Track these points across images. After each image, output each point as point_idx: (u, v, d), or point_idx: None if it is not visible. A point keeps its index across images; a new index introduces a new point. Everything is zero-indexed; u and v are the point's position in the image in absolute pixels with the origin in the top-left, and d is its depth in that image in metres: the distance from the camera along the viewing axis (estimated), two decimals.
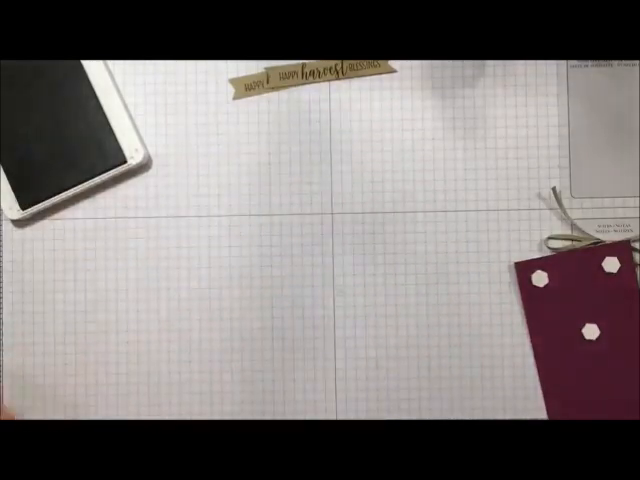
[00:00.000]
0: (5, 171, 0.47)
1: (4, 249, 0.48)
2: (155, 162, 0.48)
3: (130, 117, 0.47)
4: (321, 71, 0.48)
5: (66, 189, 0.47)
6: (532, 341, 0.46)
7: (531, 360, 0.47)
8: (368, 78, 0.48)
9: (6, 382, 0.48)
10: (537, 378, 0.46)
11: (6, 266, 0.48)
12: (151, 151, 0.48)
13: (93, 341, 0.48)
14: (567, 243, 0.47)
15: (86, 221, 0.48)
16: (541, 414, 0.46)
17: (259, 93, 0.48)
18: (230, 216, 0.48)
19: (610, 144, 0.47)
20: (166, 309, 0.48)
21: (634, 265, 0.46)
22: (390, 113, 0.48)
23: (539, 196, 0.47)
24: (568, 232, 0.47)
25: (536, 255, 0.47)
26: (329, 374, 0.47)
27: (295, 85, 0.48)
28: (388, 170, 0.48)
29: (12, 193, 0.47)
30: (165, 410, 0.47)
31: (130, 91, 0.48)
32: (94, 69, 0.47)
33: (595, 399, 0.45)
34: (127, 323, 0.48)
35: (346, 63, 0.48)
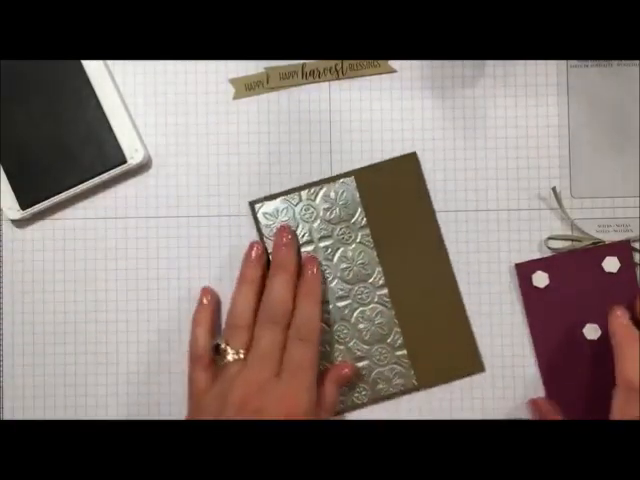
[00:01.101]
0: (5, 171, 0.47)
1: (4, 249, 0.48)
2: (155, 162, 0.48)
3: (130, 117, 0.47)
4: (321, 71, 0.48)
5: (66, 189, 0.47)
6: (533, 341, 0.46)
7: (532, 360, 0.47)
8: (368, 78, 0.48)
9: (6, 382, 0.48)
10: (538, 379, 0.46)
11: (6, 266, 0.48)
12: (151, 151, 0.48)
13: (93, 341, 0.48)
14: (567, 243, 0.47)
15: (86, 221, 0.48)
16: None
17: (259, 93, 0.48)
18: (230, 216, 0.48)
19: (610, 144, 0.47)
20: (166, 309, 0.48)
21: (634, 265, 0.46)
22: (390, 113, 0.48)
23: (539, 196, 0.47)
24: (568, 232, 0.47)
25: (536, 255, 0.47)
26: None
27: (295, 85, 0.48)
28: None
29: (12, 193, 0.47)
30: (165, 410, 0.47)
31: (130, 91, 0.48)
32: (94, 69, 0.47)
33: (597, 399, 0.45)
34: (127, 323, 0.48)
35: (346, 63, 0.48)
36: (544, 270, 0.46)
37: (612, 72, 0.47)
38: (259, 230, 0.47)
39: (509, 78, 0.48)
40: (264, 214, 0.47)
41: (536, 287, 0.46)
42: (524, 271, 0.46)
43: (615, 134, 0.47)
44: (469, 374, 0.47)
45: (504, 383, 0.47)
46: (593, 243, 0.46)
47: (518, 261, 0.47)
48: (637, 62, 0.47)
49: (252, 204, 0.47)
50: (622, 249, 0.46)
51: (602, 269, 0.46)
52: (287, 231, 0.45)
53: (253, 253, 0.46)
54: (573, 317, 0.46)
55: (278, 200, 0.47)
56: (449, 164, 0.47)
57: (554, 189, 0.46)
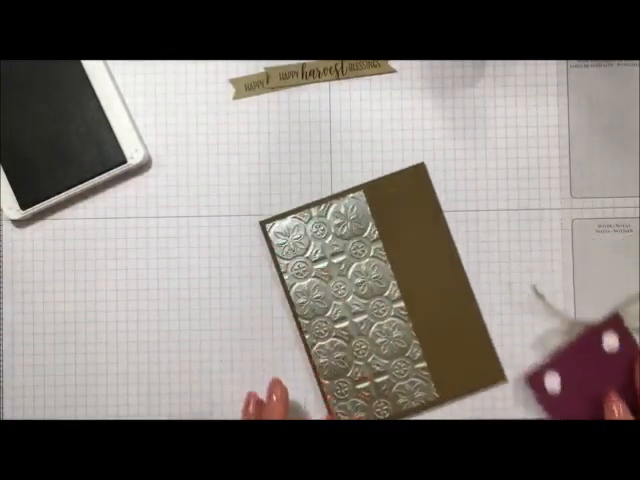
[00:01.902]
0: (5, 171, 0.47)
1: (4, 249, 0.48)
2: (155, 162, 0.48)
3: (130, 117, 0.47)
4: (321, 71, 0.48)
5: (66, 189, 0.47)
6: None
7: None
8: (368, 78, 0.48)
9: (6, 382, 0.48)
10: None
11: (6, 266, 0.48)
12: (151, 151, 0.48)
13: (93, 341, 0.48)
14: (565, 335, 0.46)
15: (86, 221, 0.48)
16: None
17: (259, 93, 0.48)
18: (230, 216, 0.48)
19: (610, 144, 0.47)
20: (166, 309, 0.48)
21: (630, 334, 0.45)
22: (390, 113, 0.48)
23: (539, 196, 0.47)
24: (569, 234, 0.47)
25: (538, 253, 0.47)
26: None
27: (295, 85, 0.48)
28: (388, 170, 0.48)
29: (12, 193, 0.47)
30: (164, 410, 0.47)
31: (130, 91, 0.48)
32: (94, 69, 0.47)
33: None
34: (127, 323, 0.48)
35: (346, 63, 0.48)
36: (553, 371, 0.45)
37: (612, 72, 0.47)
38: (271, 250, 0.47)
39: (509, 78, 0.48)
40: (275, 233, 0.47)
41: (551, 395, 0.45)
42: (536, 380, 0.45)
43: (615, 134, 0.47)
44: (491, 385, 0.46)
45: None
46: (586, 326, 0.45)
47: (518, 260, 0.47)
48: (637, 62, 0.47)
49: (263, 223, 0.47)
50: (615, 323, 0.45)
51: (604, 351, 0.45)
52: (278, 385, 0.43)
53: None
54: (594, 400, 0.44)
55: (289, 219, 0.47)
56: (449, 164, 0.47)
57: (534, 287, 0.46)
